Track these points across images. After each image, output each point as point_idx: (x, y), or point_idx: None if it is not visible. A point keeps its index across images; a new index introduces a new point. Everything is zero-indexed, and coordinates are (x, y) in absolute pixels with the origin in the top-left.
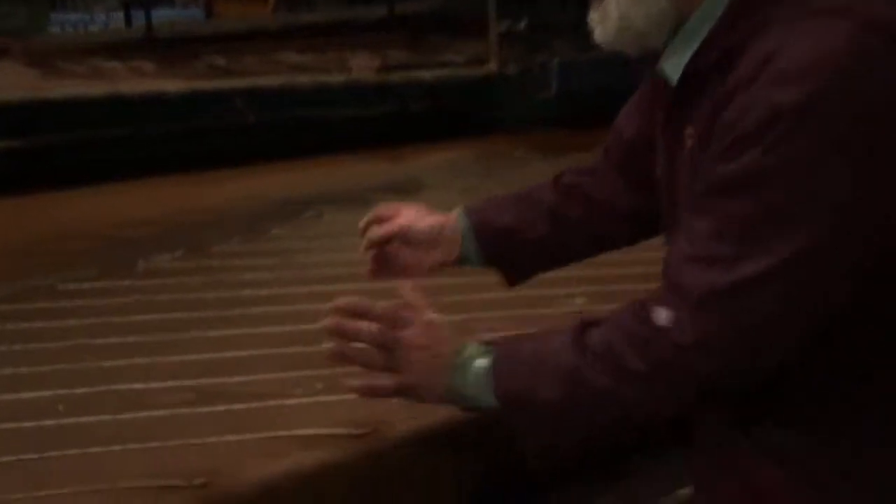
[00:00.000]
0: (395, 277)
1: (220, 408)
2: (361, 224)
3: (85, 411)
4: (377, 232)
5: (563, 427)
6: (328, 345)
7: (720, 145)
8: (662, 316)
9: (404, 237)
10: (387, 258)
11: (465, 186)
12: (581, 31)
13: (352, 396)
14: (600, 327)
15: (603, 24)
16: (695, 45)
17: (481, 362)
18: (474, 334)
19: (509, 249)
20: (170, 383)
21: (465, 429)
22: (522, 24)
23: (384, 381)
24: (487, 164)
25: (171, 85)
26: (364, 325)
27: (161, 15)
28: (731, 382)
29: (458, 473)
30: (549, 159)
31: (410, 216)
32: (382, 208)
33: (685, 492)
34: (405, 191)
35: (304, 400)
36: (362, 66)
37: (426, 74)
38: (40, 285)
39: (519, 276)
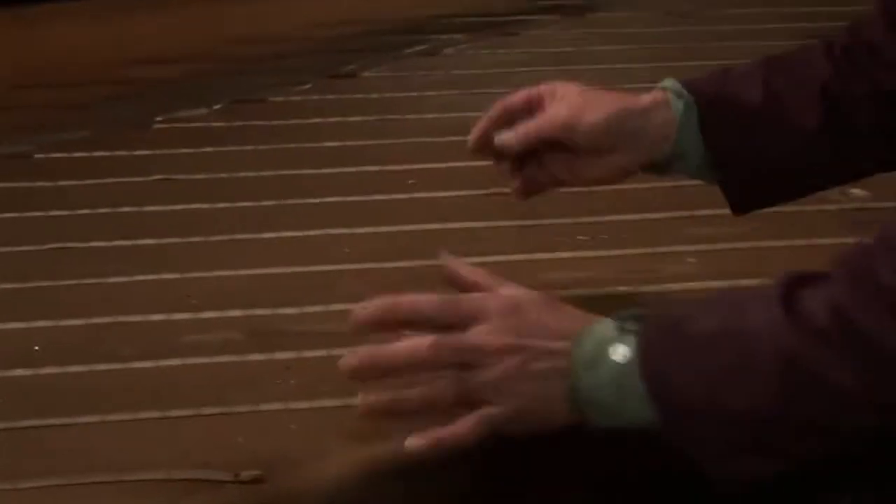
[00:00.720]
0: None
1: (283, 356)
2: (479, 125)
3: (75, 356)
4: (511, 139)
5: (771, 442)
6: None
7: None
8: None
9: (568, 139)
10: (536, 169)
11: (669, 8)
12: None
13: None
14: (819, 287)
15: None
16: None
17: (622, 351)
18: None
19: (761, 148)
20: (206, 315)
21: None
22: None
23: (464, 424)
24: None
25: None
26: (413, 344)
27: None
28: None
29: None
30: None
31: (571, 101)
32: (523, 93)
33: None
34: (572, 13)
35: None
36: None
37: None
38: (9, 154)
39: (763, 197)
